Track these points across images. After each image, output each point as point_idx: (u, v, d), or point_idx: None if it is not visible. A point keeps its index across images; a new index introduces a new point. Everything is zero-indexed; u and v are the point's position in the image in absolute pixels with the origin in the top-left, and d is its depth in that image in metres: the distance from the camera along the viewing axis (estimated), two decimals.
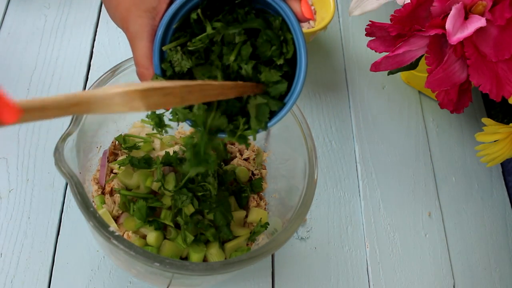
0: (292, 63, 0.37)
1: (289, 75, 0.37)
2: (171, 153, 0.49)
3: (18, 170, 0.56)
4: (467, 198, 0.69)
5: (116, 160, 0.52)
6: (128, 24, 0.36)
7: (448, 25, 0.44)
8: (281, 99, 0.37)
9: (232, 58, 0.36)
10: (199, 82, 0.34)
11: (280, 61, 0.36)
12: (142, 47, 0.37)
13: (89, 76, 0.65)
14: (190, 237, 0.46)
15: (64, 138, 0.40)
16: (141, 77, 0.38)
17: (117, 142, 0.53)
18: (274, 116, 0.37)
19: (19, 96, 0.61)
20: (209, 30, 0.36)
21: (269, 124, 0.37)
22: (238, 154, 0.56)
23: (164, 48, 0.37)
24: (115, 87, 0.26)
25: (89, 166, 0.50)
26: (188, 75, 0.38)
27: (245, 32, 0.36)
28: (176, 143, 0.54)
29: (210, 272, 0.37)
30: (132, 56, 0.46)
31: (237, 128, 0.37)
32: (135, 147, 0.52)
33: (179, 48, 0.37)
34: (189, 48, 0.37)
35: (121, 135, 0.52)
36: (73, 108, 0.24)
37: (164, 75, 0.38)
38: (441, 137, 0.73)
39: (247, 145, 0.38)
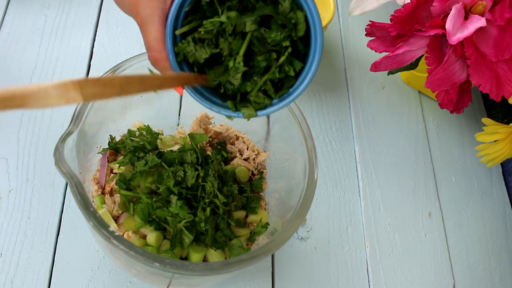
0: (305, 41, 0.37)
1: (302, 55, 0.38)
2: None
3: (18, 170, 0.56)
4: (467, 198, 0.69)
5: (116, 160, 0.52)
6: (138, 8, 0.36)
7: (448, 25, 0.44)
8: (297, 76, 0.38)
9: (240, 56, 0.36)
10: (139, 74, 0.34)
11: (286, 43, 0.36)
12: (154, 30, 0.36)
13: (89, 76, 0.65)
14: (190, 237, 0.46)
15: (64, 138, 0.40)
16: (154, 61, 0.37)
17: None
18: (293, 91, 0.38)
19: None
20: (223, 18, 0.35)
21: (287, 100, 0.38)
22: (238, 154, 0.56)
23: (177, 32, 0.36)
24: (51, 82, 0.26)
25: (89, 166, 0.50)
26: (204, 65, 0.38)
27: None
28: (176, 143, 0.54)
29: (210, 272, 0.37)
30: (131, 57, 0.46)
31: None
32: (135, 151, 0.52)
33: (190, 39, 0.36)
34: (200, 30, 0.36)
35: (114, 141, 0.51)
36: (8, 102, 0.24)
37: (177, 59, 0.37)
38: (441, 137, 0.73)
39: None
